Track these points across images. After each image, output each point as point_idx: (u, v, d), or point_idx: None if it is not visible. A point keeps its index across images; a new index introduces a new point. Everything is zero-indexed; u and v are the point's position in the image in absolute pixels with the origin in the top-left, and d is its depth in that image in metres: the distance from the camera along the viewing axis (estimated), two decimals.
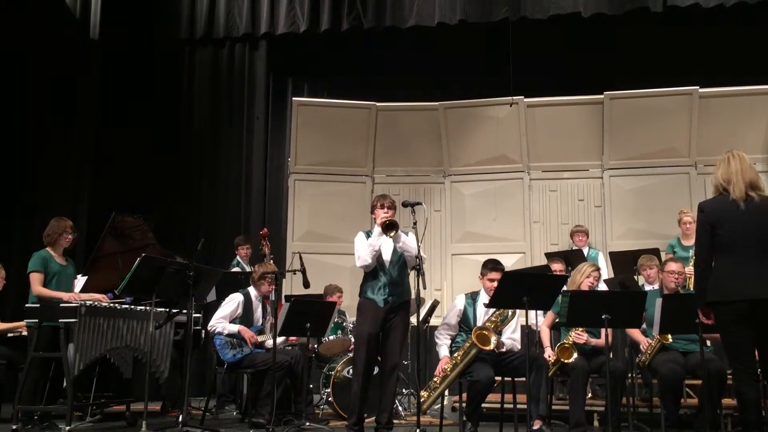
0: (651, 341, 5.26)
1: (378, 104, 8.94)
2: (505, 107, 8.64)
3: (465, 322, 5.28)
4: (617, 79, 8.63)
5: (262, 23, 9.22)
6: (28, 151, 8.39)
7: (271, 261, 6.94)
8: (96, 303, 5.23)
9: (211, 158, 9.36)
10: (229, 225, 9.06)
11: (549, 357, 5.30)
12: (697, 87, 8.19)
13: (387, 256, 5.06)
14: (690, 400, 6.18)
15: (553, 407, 5.63)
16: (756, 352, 3.98)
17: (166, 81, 9.44)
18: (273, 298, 6.06)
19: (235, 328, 5.81)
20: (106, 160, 8.89)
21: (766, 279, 3.82)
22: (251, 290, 6.04)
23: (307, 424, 5.53)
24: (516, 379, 5.19)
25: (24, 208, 8.29)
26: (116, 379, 6.15)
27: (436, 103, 8.90)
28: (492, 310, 5.13)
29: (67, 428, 4.88)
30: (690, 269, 6.58)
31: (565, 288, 5.25)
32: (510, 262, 7.89)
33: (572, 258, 6.92)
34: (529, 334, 5.41)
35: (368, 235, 5.09)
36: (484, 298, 5.25)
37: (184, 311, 5.37)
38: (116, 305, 5.37)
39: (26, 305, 5.38)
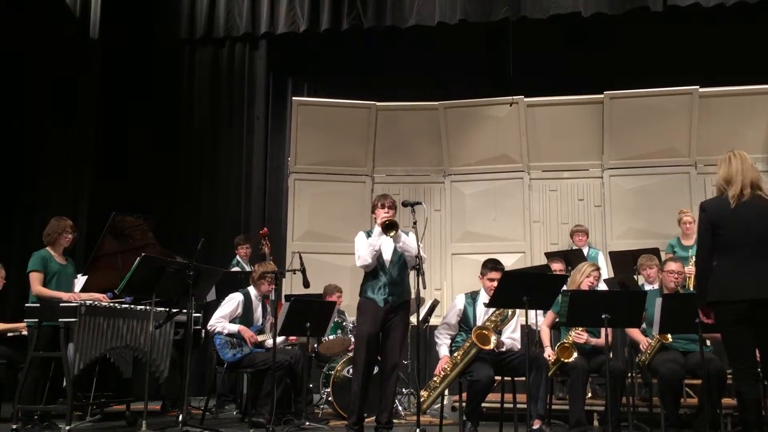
0: (651, 341, 5.26)
1: (378, 104, 8.94)
2: (505, 107, 8.63)
3: (465, 322, 5.28)
4: (617, 79, 8.63)
5: (262, 23, 9.22)
6: (28, 151, 8.39)
7: (271, 260, 6.94)
8: (96, 302, 5.23)
9: (211, 158, 9.36)
10: (229, 224, 9.06)
11: (549, 356, 5.30)
12: (698, 87, 8.19)
13: (387, 256, 5.06)
14: (690, 399, 6.18)
15: (553, 407, 5.63)
16: (757, 352, 3.99)
17: (166, 80, 9.45)
18: (273, 298, 6.07)
19: (234, 327, 5.81)
20: (106, 160, 8.90)
21: (766, 279, 3.82)
22: (251, 290, 6.04)
23: (307, 423, 5.54)
24: (516, 378, 5.19)
25: (24, 207, 8.29)
26: (116, 379, 6.14)
27: (436, 103, 8.90)
28: (492, 309, 5.14)
29: (67, 428, 4.87)
30: (690, 269, 6.59)
31: (565, 288, 5.24)
32: (510, 262, 7.89)
33: (572, 258, 6.92)
34: (528, 333, 5.41)
35: (369, 234, 5.09)
36: (484, 297, 5.25)
37: (184, 311, 5.37)
38: (116, 305, 5.37)
39: (26, 305, 5.38)
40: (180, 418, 5.19)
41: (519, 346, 5.31)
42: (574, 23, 8.58)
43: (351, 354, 6.18)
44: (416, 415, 4.86)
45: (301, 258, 6.55)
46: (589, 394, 5.95)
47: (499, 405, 5.39)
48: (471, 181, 8.95)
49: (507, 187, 8.80)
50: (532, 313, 5.65)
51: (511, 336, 5.31)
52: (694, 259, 6.68)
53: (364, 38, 9.13)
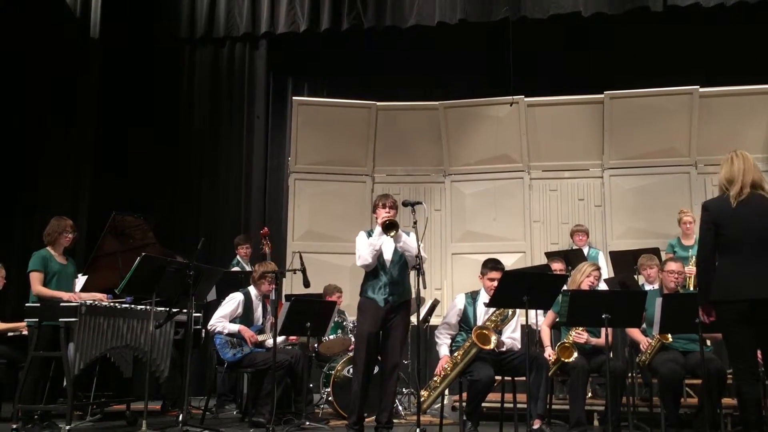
0: (651, 341, 5.26)
1: (378, 104, 8.94)
2: (506, 107, 8.64)
3: (465, 322, 5.28)
4: (617, 79, 8.63)
5: (263, 22, 9.22)
6: (28, 151, 8.39)
7: (270, 260, 6.94)
8: (96, 302, 5.23)
9: (211, 157, 9.36)
10: (229, 224, 9.06)
11: (549, 356, 5.30)
12: (698, 86, 8.19)
13: (388, 256, 5.06)
14: (690, 399, 6.18)
15: (553, 407, 5.63)
16: (758, 352, 3.99)
17: (167, 80, 9.45)
18: (273, 298, 6.07)
19: (235, 327, 5.82)
20: (106, 160, 8.90)
21: (766, 279, 3.83)
22: (251, 289, 6.04)
23: (307, 423, 5.54)
24: (516, 378, 5.20)
25: (24, 207, 8.29)
26: (116, 379, 6.15)
27: (437, 103, 8.90)
28: (492, 309, 5.14)
29: (67, 427, 4.87)
30: (690, 269, 6.59)
31: (565, 287, 5.24)
32: (510, 262, 7.89)
33: (572, 257, 6.92)
34: (529, 333, 5.41)
35: (370, 234, 5.10)
36: (484, 297, 5.25)
37: (184, 310, 5.37)
38: (116, 304, 5.37)
39: (26, 304, 5.38)
40: (180, 417, 5.19)
41: (519, 346, 5.31)
42: (574, 23, 8.58)
43: (351, 354, 6.18)
44: (416, 415, 4.86)
45: (301, 258, 6.56)
46: (590, 394, 5.95)
47: (499, 405, 5.38)
48: (471, 180, 8.95)
49: (507, 187, 8.80)
50: (532, 312, 5.65)
51: (512, 336, 5.31)
52: (694, 259, 6.70)
53: (365, 38, 9.12)
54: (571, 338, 5.27)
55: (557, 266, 6.69)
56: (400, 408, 6.25)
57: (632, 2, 8.32)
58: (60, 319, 5.05)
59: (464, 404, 5.24)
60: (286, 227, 9.01)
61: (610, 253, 7.54)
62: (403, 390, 6.66)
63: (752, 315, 3.84)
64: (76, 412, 5.65)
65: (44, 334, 5.21)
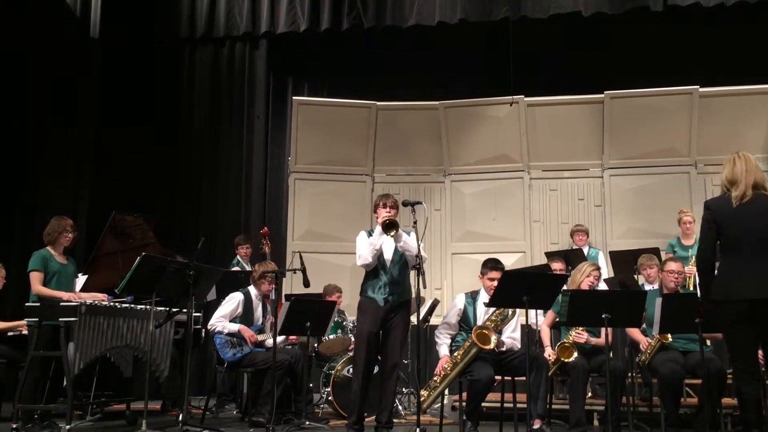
0: (651, 341, 5.26)
1: (378, 103, 8.94)
2: (506, 106, 8.63)
3: (465, 322, 5.28)
4: (617, 79, 8.63)
5: (263, 22, 9.22)
6: (28, 151, 8.39)
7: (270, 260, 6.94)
8: (96, 302, 5.23)
9: (211, 157, 9.36)
10: (229, 224, 9.06)
11: (549, 356, 5.30)
12: (698, 86, 8.19)
13: (388, 255, 5.06)
14: (690, 399, 6.18)
15: (553, 406, 5.63)
16: (759, 352, 4.00)
17: (167, 80, 9.45)
18: (273, 297, 6.07)
19: (235, 327, 5.82)
20: (106, 160, 8.90)
21: (767, 278, 3.84)
22: (251, 289, 6.05)
23: (307, 423, 5.54)
24: (516, 378, 5.20)
25: (24, 207, 8.29)
26: (116, 378, 6.15)
27: (437, 103, 8.90)
28: (492, 309, 5.14)
29: (67, 427, 4.88)
30: (690, 269, 6.60)
31: (565, 287, 5.24)
32: (510, 262, 7.89)
33: (572, 257, 6.92)
34: (529, 333, 5.40)
35: (370, 234, 5.10)
36: (484, 297, 5.25)
37: (184, 310, 5.37)
38: (116, 304, 5.37)
39: (26, 304, 5.38)
40: (180, 417, 5.19)
41: (519, 346, 5.31)
42: (575, 23, 8.58)
43: (351, 353, 6.18)
44: (416, 415, 4.86)
45: (301, 257, 6.56)
46: (589, 394, 5.95)
47: (499, 405, 5.39)
48: (471, 180, 8.95)
49: (507, 187, 8.80)
50: (532, 312, 5.65)
51: (512, 336, 5.31)
52: (694, 259, 6.70)
53: (365, 38, 9.13)
54: (571, 338, 5.27)
55: (557, 266, 6.69)
56: (400, 408, 6.25)
57: (632, 2, 8.32)
58: (60, 319, 5.06)
59: (464, 404, 5.24)
60: (286, 227, 9.01)
61: (610, 253, 7.54)
62: (403, 390, 6.66)
63: (753, 315, 3.85)
64: (76, 412, 5.65)
65: (44, 334, 5.21)
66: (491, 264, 5.31)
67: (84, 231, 7.85)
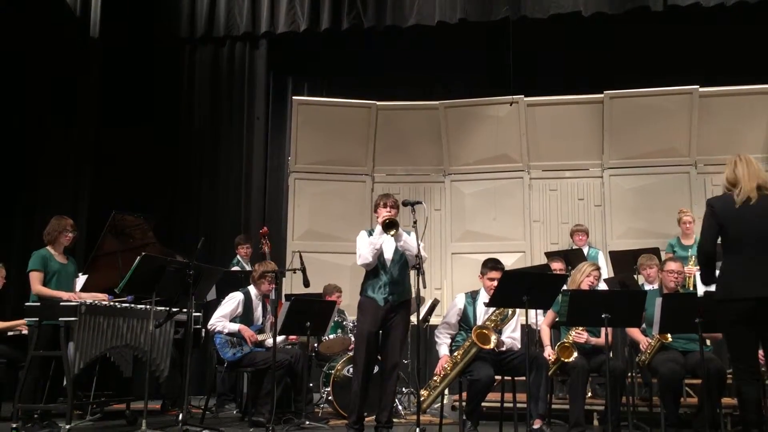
0: (651, 340, 5.26)
1: (378, 103, 8.94)
2: (506, 106, 8.63)
3: (465, 321, 5.28)
4: (617, 79, 8.62)
5: (263, 22, 9.22)
6: (28, 151, 8.39)
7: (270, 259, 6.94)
8: (96, 302, 5.23)
9: (211, 157, 9.36)
10: (229, 224, 9.07)
11: (549, 356, 5.30)
12: (698, 86, 8.19)
13: (388, 255, 5.07)
14: (690, 399, 6.18)
15: (553, 406, 5.63)
16: (760, 352, 4.01)
17: (167, 80, 9.45)
18: (273, 297, 6.07)
19: (235, 326, 5.82)
20: (106, 159, 8.90)
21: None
22: (251, 289, 6.05)
23: (307, 422, 5.54)
24: (516, 378, 5.19)
25: (24, 207, 8.29)
26: (116, 378, 6.15)
27: (437, 102, 8.90)
28: (492, 309, 5.14)
29: (67, 427, 4.88)
30: (690, 269, 6.60)
31: (565, 287, 5.24)
32: (510, 262, 7.89)
33: (572, 257, 6.92)
34: (529, 333, 5.41)
35: (370, 234, 5.10)
36: (484, 297, 5.25)
37: (184, 310, 5.37)
38: (116, 304, 5.37)
39: (26, 304, 5.39)
40: (180, 417, 5.18)
41: (519, 346, 5.31)
42: (575, 23, 8.58)
43: (351, 353, 6.18)
44: (416, 415, 4.85)
45: (301, 257, 6.56)
46: (589, 394, 5.95)
47: (499, 404, 5.39)
48: (471, 180, 8.95)
49: (507, 187, 8.80)
50: (532, 312, 5.65)
51: (511, 335, 5.31)
52: (694, 259, 6.71)
53: (365, 38, 9.13)
54: (570, 338, 5.27)
55: (557, 266, 6.69)
56: (400, 407, 6.25)
57: (632, 2, 8.32)
58: (60, 319, 5.06)
59: (464, 404, 5.24)
60: (286, 227, 9.01)
61: (610, 252, 7.54)
62: (403, 389, 6.66)
63: (754, 314, 3.86)
64: (76, 412, 5.65)
65: (44, 334, 5.21)
66: (491, 264, 5.31)
67: (84, 231, 7.85)
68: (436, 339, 5.35)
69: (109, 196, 8.42)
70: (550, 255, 7.22)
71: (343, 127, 8.93)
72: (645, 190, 8.43)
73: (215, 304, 6.26)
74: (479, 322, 5.19)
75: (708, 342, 5.17)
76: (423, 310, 6.22)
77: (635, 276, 6.55)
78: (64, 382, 5.24)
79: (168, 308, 5.43)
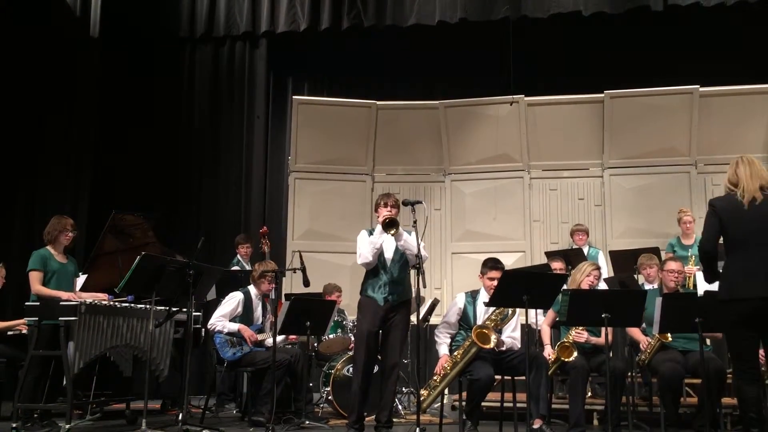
0: (651, 340, 5.26)
1: (378, 103, 8.94)
2: (506, 106, 8.63)
3: (465, 321, 5.28)
4: (618, 78, 8.62)
5: (263, 22, 9.22)
6: (28, 150, 8.38)
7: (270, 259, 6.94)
8: (96, 301, 5.23)
9: (211, 157, 9.37)
10: (230, 223, 9.07)
11: (549, 355, 5.30)
12: (698, 86, 8.18)
13: (389, 255, 5.07)
14: (690, 399, 6.18)
15: (553, 406, 5.63)
16: (760, 352, 4.02)
17: (167, 79, 9.44)
18: (273, 297, 6.07)
19: (235, 326, 5.82)
20: (106, 159, 8.90)
21: None
22: (251, 289, 6.05)
23: (307, 422, 5.54)
24: (516, 377, 5.20)
25: (24, 207, 8.28)
26: (116, 378, 6.14)
27: (437, 102, 8.90)
28: (492, 308, 5.14)
29: (67, 426, 4.87)
30: (689, 268, 6.60)
31: (565, 287, 5.24)
32: (510, 261, 7.89)
33: (572, 257, 6.92)
34: (529, 332, 5.41)
35: (371, 233, 5.11)
36: (484, 296, 5.25)
37: (184, 309, 5.37)
38: (116, 303, 5.37)
39: (26, 303, 5.39)
40: (180, 416, 5.19)
41: (519, 345, 5.31)
42: (575, 22, 8.58)
43: (351, 353, 6.18)
44: (416, 414, 4.85)
45: (301, 257, 6.56)
46: (589, 394, 5.95)
47: (499, 404, 5.39)
48: (471, 180, 8.95)
49: (507, 186, 8.80)
50: (532, 312, 5.66)
51: (511, 335, 5.31)
52: (694, 259, 6.71)
53: (365, 37, 9.12)
54: (571, 337, 5.27)
55: (557, 265, 6.69)
56: (399, 407, 6.25)
57: (632, 2, 8.31)
58: (60, 318, 5.05)
59: (464, 403, 5.24)
60: (286, 226, 9.01)
61: (610, 252, 7.54)
62: (403, 389, 6.65)
63: (756, 314, 3.86)
64: (75, 411, 5.64)
65: (44, 333, 5.21)
66: (491, 263, 5.31)
67: (84, 230, 7.85)
68: (436, 338, 5.36)
69: (109, 196, 8.42)
70: (550, 255, 7.22)
71: (343, 126, 8.93)
72: (645, 189, 8.43)
73: (215, 303, 6.26)
74: (479, 322, 5.19)
75: (708, 341, 5.18)
76: (423, 310, 6.21)
77: (635, 275, 6.55)
78: (64, 382, 5.24)
79: (168, 308, 5.43)
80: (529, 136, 8.68)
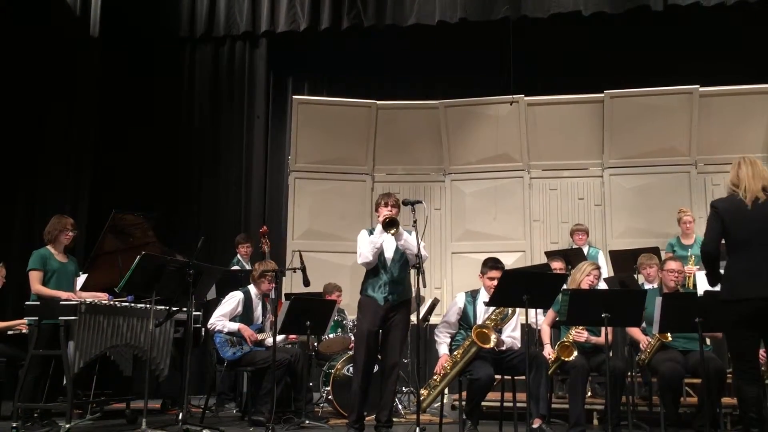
0: (651, 340, 5.27)
1: (378, 102, 8.94)
2: (506, 106, 8.63)
3: (465, 321, 5.28)
4: (618, 78, 8.62)
5: (263, 21, 9.22)
6: (28, 150, 8.38)
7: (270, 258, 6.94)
8: (96, 301, 5.23)
9: (211, 156, 9.37)
10: (230, 223, 9.07)
11: (549, 355, 5.30)
12: (698, 86, 8.19)
13: (389, 254, 5.07)
14: (690, 398, 6.18)
15: (553, 406, 5.63)
16: (761, 352, 4.02)
17: (167, 79, 9.45)
18: (273, 296, 6.07)
19: (235, 326, 5.82)
20: (106, 159, 8.90)
21: None
22: (251, 288, 6.05)
23: (307, 422, 5.54)
24: (516, 377, 5.20)
25: (24, 207, 8.29)
26: (116, 377, 6.14)
27: (437, 102, 8.90)
28: (492, 308, 5.14)
29: (67, 426, 4.87)
30: (689, 268, 6.60)
31: (565, 286, 5.24)
32: (510, 261, 7.90)
33: (572, 256, 6.92)
34: (529, 332, 5.41)
35: (371, 233, 5.11)
36: (484, 296, 5.25)
37: (184, 309, 5.37)
38: (116, 303, 5.37)
39: (26, 303, 5.39)
40: (180, 416, 5.19)
41: (519, 345, 5.31)
42: (575, 22, 8.58)
43: (351, 352, 6.18)
44: (416, 414, 4.85)
45: (301, 256, 6.56)
46: (589, 393, 5.95)
47: (499, 404, 5.40)
48: (471, 179, 8.95)
49: (507, 186, 8.80)
50: (532, 312, 5.66)
51: (511, 335, 5.32)
52: (693, 259, 6.71)
53: (365, 37, 9.12)
54: (571, 337, 5.27)
55: (557, 265, 6.69)
56: (399, 407, 6.26)
57: (632, 2, 8.31)
58: (60, 318, 5.05)
59: (464, 403, 5.24)
60: (286, 226, 9.01)
61: (610, 252, 7.54)
62: (403, 389, 6.66)
63: (758, 314, 3.87)
64: (75, 411, 5.63)
65: (44, 333, 5.21)
66: (491, 263, 5.31)
67: (84, 230, 7.85)
68: (436, 338, 5.36)
69: (109, 196, 8.42)
70: (550, 254, 7.22)
71: (343, 126, 8.93)
72: (645, 189, 8.43)
73: (215, 303, 6.26)
74: (479, 322, 5.19)
75: (708, 341, 5.18)
76: (423, 310, 6.21)
77: (635, 275, 6.55)
78: (64, 381, 5.24)
79: (168, 307, 5.43)
80: (529, 136, 8.68)
